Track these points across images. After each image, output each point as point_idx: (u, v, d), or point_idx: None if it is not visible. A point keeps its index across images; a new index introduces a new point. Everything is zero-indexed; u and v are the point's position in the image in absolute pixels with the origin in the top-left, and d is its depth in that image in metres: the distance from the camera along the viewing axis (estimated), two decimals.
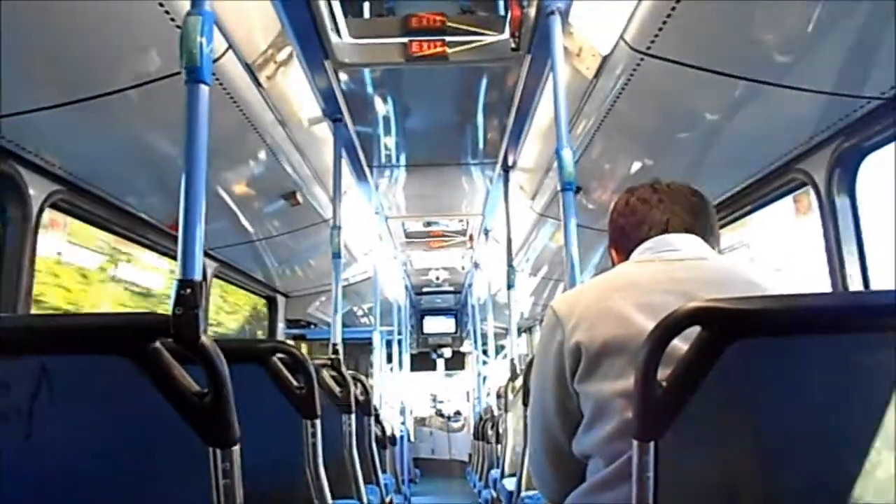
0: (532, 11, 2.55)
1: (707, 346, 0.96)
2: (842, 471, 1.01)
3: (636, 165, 3.16)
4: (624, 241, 1.41)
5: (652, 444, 0.98)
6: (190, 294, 1.15)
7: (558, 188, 2.32)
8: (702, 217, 1.38)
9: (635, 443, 1.00)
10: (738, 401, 1.02)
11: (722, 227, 3.25)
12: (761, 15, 1.87)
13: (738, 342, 0.96)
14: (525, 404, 3.19)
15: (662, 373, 0.98)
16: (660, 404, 0.98)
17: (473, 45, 2.78)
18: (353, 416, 2.86)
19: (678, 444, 0.98)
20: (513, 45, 2.67)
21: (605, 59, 2.41)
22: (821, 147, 2.37)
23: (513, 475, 3.58)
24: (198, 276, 1.19)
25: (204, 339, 1.11)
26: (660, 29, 2.00)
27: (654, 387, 0.98)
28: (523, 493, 3.07)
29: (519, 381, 4.03)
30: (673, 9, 1.89)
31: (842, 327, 1.00)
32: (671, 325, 0.98)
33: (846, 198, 2.35)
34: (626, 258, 1.38)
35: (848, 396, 1.02)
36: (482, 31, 2.76)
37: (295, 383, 1.89)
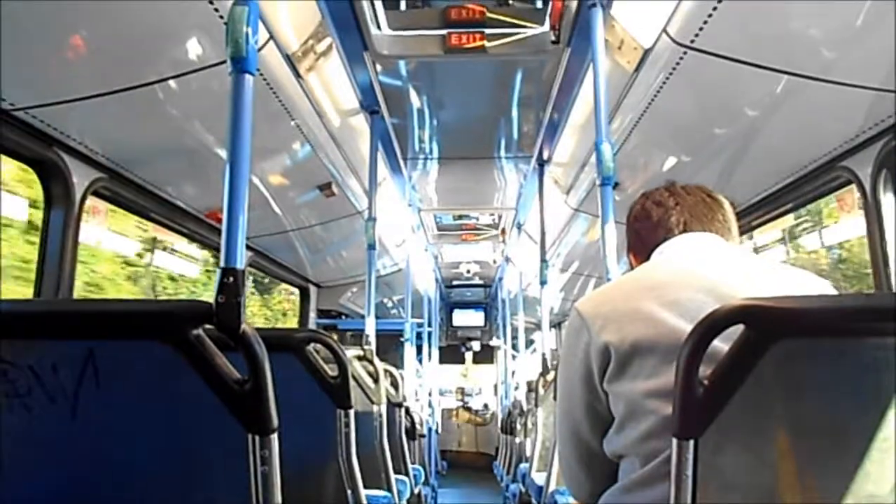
0: (573, 4, 2.53)
1: (750, 345, 0.95)
2: (888, 476, 0.99)
3: (674, 161, 3.12)
4: (641, 245, 1.41)
5: (692, 442, 0.97)
6: (232, 282, 1.16)
7: (596, 183, 2.31)
8: (718, 216, 1.38)
9: (675, 441, 0.99)
10: (779, 401, 1.00)
11: (762, 224, 3.23)
12: (808, 7, 1.83)
13: (781, 342, 0.95)
14: (555, 399, 3.18)
15: (701, 371, 0.97)
16: (701, 403, 0.97)
17: (513, 37, 2.77)
18: (384, 408, 2.88)
19: (717, 443, 0.97)
20: (553, 38, 2.65)
21: (646, 52, 2.38)
22: (867, 144, 2.32)
23: (543, 470, 3.57)
24: (240, 265, 1.21)
25: (245, 327, 1.13)
26: (704, 22, 1.97)
27: (695, 385, 0.97)
28: (553, 488, 3.07)
29: (550, 376, 4.02)
30: (719, 1, 1.86)
31: (885, 329, 0.98)
32: (713, 324, 0.97)
33: (892, 197, 2.29)
34: (645, 260, 1.38)
35: (893, 399, 0.99)
36: (522, 23, 2.75)
37: (329, 373, 1.90)
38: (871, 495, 0.99)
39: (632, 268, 1.42)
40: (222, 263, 1.20)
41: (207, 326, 1.12)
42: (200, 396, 1.11)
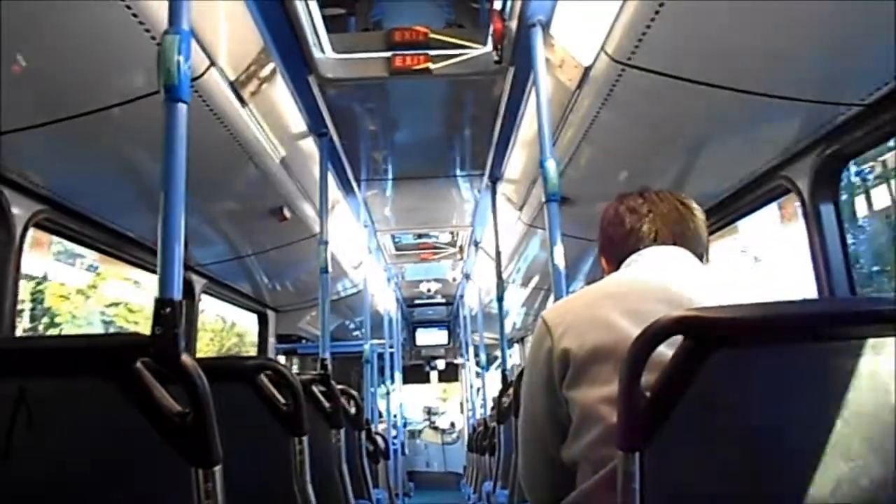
0: (514, 24, 2.56)
1: (689, 356, 0.96)
2: (829, 478, 1.01)
3: (622, 175, 3.16)
4: (613, 250, 1.45)
5: (637, 454, 0.97)
6: (169, 313, 1.14)
7: (542, 199, 2.33)
8: (689, 227, 1.41)
9: (620, 453, 0.99)
10: (724, 410, 1.01)
11: (710, 233, 3.29)
12: (739, 24, 1.88)
13: (721, 351, 0.96)
14: (516, 416, 3.18)
15: (648, 378, 0.97)
16: (644, 414, 0.97)
17: (457, 58, 2.79)
18: (342, 432, 2.84)
19: (664, 453, 0.97)
20: (496, 58, 2.68)
21: (586, 70, 2.42)
22: (803, 154, 2.38)
23: (506, 487, 3.55)
24: (177, 296, 1.18)
25: (184, 358, 1.11)
26: (639, 40, 2.01)
27: (637, 396, 0.97)
28: None
29: (512, 392, 4.02)
30: (652, 19, 1.90)
31: (824, 334, 1.00)
32: (654, 335, 0.98)
33: (830, 204, 2.36)
34: (616, 267, 1.41)
35: (833, 403, 1.01)
36: (465, 44, 2.77)
37: (282, 400, 1.87)
38: (817, 500, 1.00)
39: (603, 270, 1.46)
40: (157, 294, 1.18)
41: (145, 359, 1.09)
42: (141, 431, 1.08)
